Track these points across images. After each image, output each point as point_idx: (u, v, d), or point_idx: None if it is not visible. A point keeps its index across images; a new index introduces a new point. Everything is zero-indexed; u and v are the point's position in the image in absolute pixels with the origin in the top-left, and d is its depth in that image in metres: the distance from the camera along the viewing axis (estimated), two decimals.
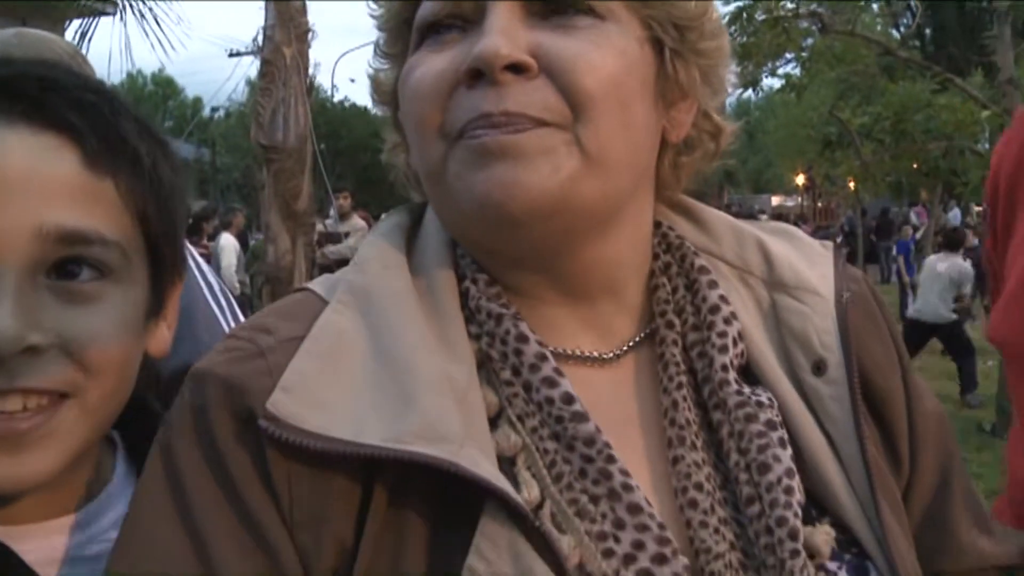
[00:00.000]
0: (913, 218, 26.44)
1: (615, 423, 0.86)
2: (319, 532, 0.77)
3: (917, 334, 9.81)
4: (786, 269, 0.97)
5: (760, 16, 8.89)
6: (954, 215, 26.80)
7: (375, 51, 0.98)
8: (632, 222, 0.91)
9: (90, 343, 0.85)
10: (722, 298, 0.94)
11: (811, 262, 0.99)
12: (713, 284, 0.95)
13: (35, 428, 0.83)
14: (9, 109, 0.85)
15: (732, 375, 0.90)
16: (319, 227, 8.83)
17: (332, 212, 10.93)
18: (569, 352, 0.91)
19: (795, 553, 0.81)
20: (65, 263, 0.84)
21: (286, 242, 5.27)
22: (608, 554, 0.78)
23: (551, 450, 0.82)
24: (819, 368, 0.92)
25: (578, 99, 0.80)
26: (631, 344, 0.94)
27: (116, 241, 0.87)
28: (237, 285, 11.32)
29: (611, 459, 0.81)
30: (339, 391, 0.79)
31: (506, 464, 0.81)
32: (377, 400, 0.78)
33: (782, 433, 0.88)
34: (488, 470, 0.76)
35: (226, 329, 1.84)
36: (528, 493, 0.80)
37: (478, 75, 0.80)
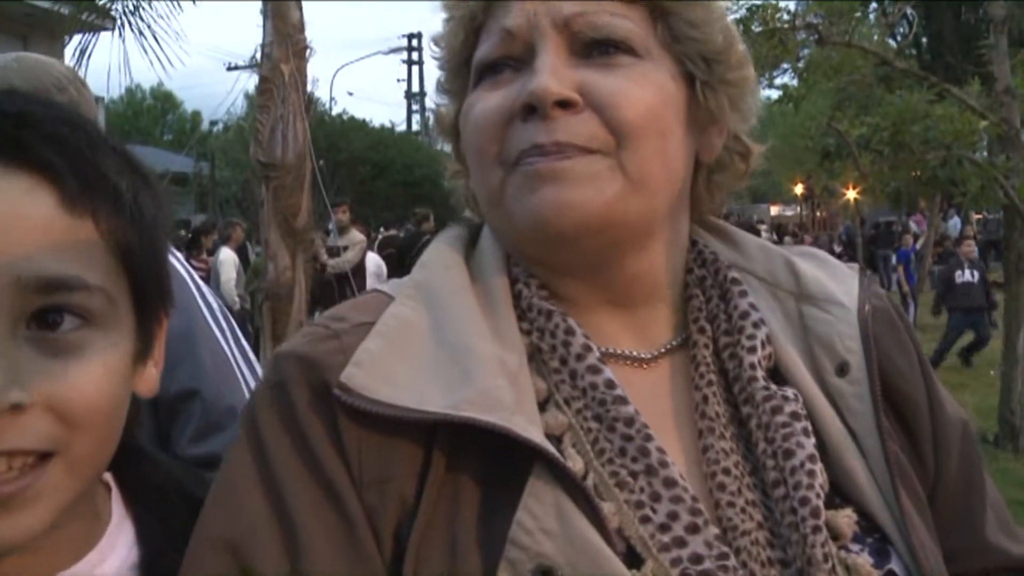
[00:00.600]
0: (913, 227, 26.47)
1: (651, 416, 0.93)
2: (384, 491, 0.86)
3: None
4: (812, 283, 1.05)
5: (757, 27, 8.90)
6: (954, 224, 26.83)
7: (437, 88, 1.10)
8: (670, 238, 1.02)
9: (76, 398, 0.80)
10: (751, 305, 1.03)
11: (837, 280, 1.07)
12: (744, 293, 1.04)
13: (21, 491, 0.78)
14: None
15: (760, 372, 0.98)
16: (318, 241, 8.83)
17: (331, 227, 10.94)
18: (611, 351, 1.00)
19: (816, 529, 0.88)
20: (46, 312, 0.80)
21: (286, 259, 5.26)
22: (645, 520, 0.87)
23: (594, 429, 0.92)
24: (842, 370, 1.00)
25: (620, 129, 0.92)
26: (667, 348, 1.04)
27: (99, 286, 0.82)
28: (236, 300, 11.32)
29: (648, 438, 0.90)
30: (404, 368, 0.89)
31: (553, 441, 0.88)
32: (438, 376, 0.88)
33: (806, 424, 0.95)
34: (536, 435, 0.85)
35: (227, 352, 1.84)
36: (573, 465, 0.87)
37: (531, 110, 0.92)
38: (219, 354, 1.82)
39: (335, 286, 9.65)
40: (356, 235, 11.37)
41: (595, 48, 0.95)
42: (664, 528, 0.87)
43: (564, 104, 0.91)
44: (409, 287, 0.99)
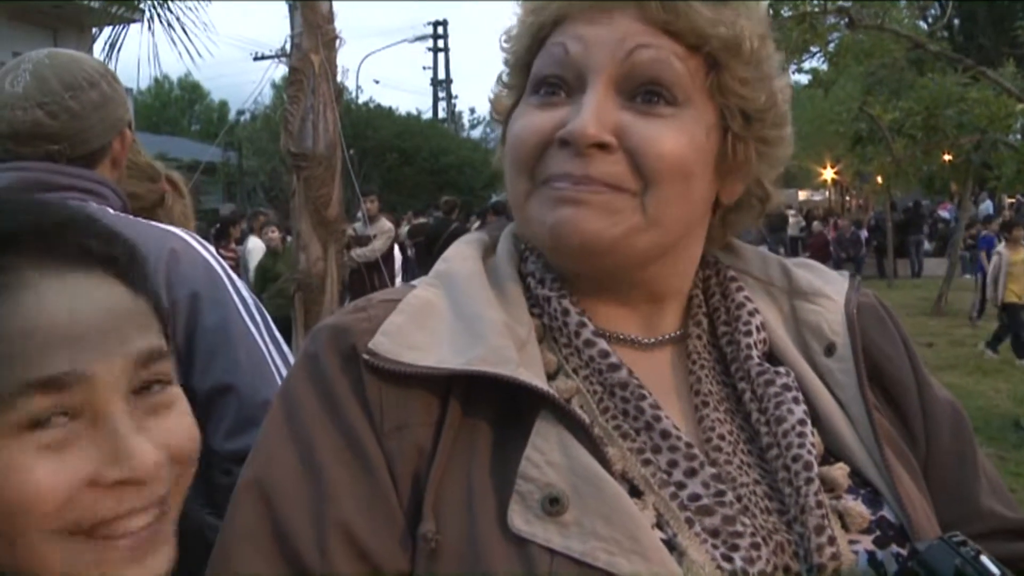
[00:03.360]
0: (946, 214, 26.21)
1: (652, 390, 1.02)
2: (402, 437, 0.95)
3: None
4: (803, 281, 1.17)
5: (786, 12, 8.82)
6: (985, 207, 26.52)
7: (498, 79, 1.18)
8: (680, 260, 1.11)
9: (186, 445, 0.92)
10: (747, 298, 1.14)
11: (826, 281, 1.18)
12: (740, 288, 1.15)
13: (156, 534, 0.89)
14: (59, 257, 0.88)
15: (755, 352, 1.09)
16: (348, 231, 8.85)
17: (361, 215, 10.97)
18: (616, 334, 1.09)
19: (809, 481, 0.97)
20: (147, 385, 0.90)
21: (317, 249, 5.27)
22: (646, 463, 0.98)
23: (599, 392, 1.02)
24: (829, 350, 1.11)
25: (648, 175, 0.99)
26: (668, 336, 1.13)
27: (169, 349, 0.94)
28: None
29: (642, 397, 1.00)
30: (425, 337, 0.99)
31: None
32: (454, 342, 0.98)
33: (796, 394, 1.05)
34: (541, 383, 0.94)
35: (263, 347, 1.84)
36: (579, 417, 0.95)
37: (567, 142, 0.99)
38: (254, 349, 1.82)
39: (365, 274, 9.68)
40: (385, 224, 11.40)
41: (640, 92, 1.01)
42: (665, 472, 0.97)
43: (600, 145, 0.98)
44: (430, 277, 1.10)
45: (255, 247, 12.06)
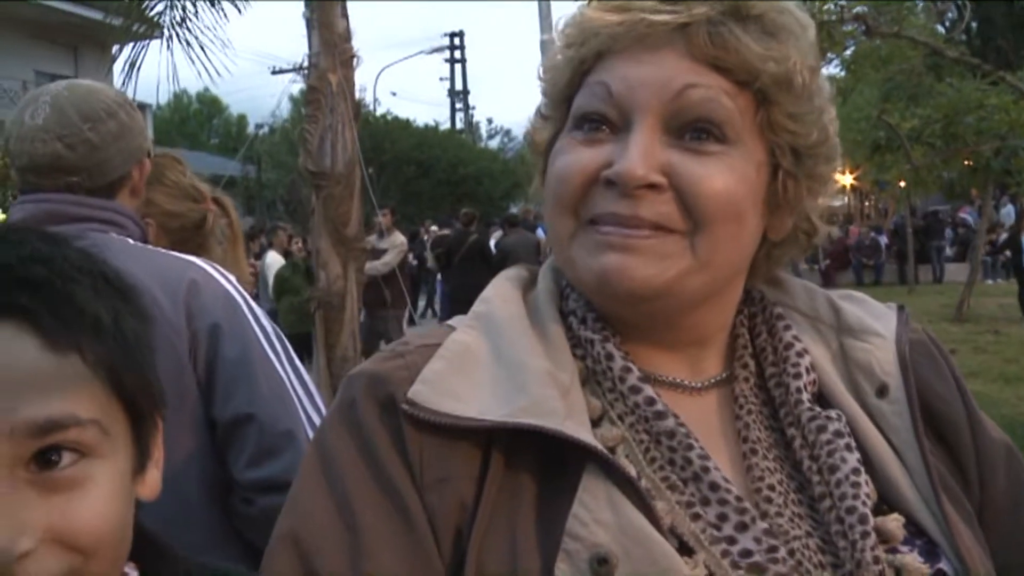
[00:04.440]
0: (969, 219, 26.01)
1: (702, 438, 0.98)
2: (443, 491, 0.92)
3: None
4: (852, 318, 1.11)
5: None
6: (1007, 212, 26.33)
7: (536, 112, 1.13)
8: (725, 298, 1.06)
9: (82, 530, 0.82)
10: (795, 337, 1.08)
11: (875, 317, 1.12)
12: (788, 327, 1.09)
13: None
14: None
15: (805, 395, 1.03)
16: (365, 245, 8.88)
17: (377, 229, 11.00)
18: (662, 378, 1.05)
19: (865, 535, 0.92)
20: (44, 452, 0.81)
21: (337, 267, 5.27)
22: (696, 518, 0.93)
23: (645, 441, 0.97)
24: (882, 391, 1.05)
25: (699, 216, 0.95)
26: (715, 380, 1.07)
27: (92, 419, 0.83)
28: None
29: (690, 447, 0.95)
30: (466, 385, 0.95)
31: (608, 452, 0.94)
32: (496, 391, 0.94)
33: (849, 440, 1.00)
34: (587, 437, 0.91)
35: (283, 377, 1.84)
36: (627, 472, 0.91)
37: (615, 183, 0.95)
38: (274, 378, 1.83)
39: (382, 287, 9.70)
40: (397, 237, 11.42)
41: (688, 130, 0.96)
42: (715, 527, 0.92)
43: (649, 185, 0.94)
44: (470, 319, 1.05)
45: (274, 261, 12.10)
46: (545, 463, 0.93)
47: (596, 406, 0.99)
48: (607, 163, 0.96)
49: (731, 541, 0.91)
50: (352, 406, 0.97)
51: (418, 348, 1.00)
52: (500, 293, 1.07)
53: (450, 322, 1.07)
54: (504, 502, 0.92)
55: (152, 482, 0.96)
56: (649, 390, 0.98)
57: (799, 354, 1.06)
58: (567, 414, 0.92)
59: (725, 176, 0.95)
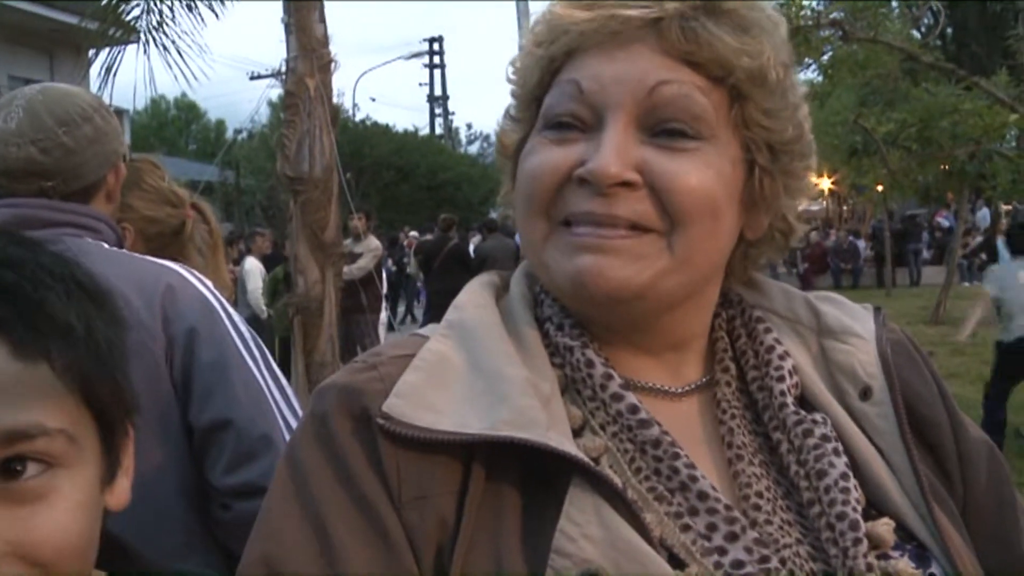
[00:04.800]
0: (944, 221, 26.20)
1: (682, 444, 0.95)
2: (423, 510, 0.88)
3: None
4: (832, 319, 1.09)
5: None
6: (982, 215, 26.55)
7: (505, 114, 1.10)
8: (703, 300, 1.04)
9: (44, 544, 0.79)
10: (776, 340, 1.06)
11: (854, 318, 1.11)
12: (768, 330, 1.08)
13: None
14: None
15: (790, 399, 1.01)
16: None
17: (355, 233, 10.98)
18: (642, 384, 1.02)
19: (857, 541, 0.91)
20: (8, 462, 0.79)
21: (315, 273, 5.27)
22: (686, 529, 0.90)
23: (630, 451, 0.94)
24: (865, 394, 1.03)
25: (675, 214, 0.93)
26: (695, 385, 1.06)
27: (59, 428, 0.81)
28: (264, 309, 11.35)
29: (676, 456, 0.93)
30: (443, 397, 0.92)
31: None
32: (474, 402, 0.91)
33: (836, 445, 0.98)
34: (572, 448, 0.87)
35: (261, 382, 1.83)
36: (614, 483, 0.89)
37: (589, 182, 0.93)
38: (251, 383, 1.82)
39: (360, 289, 9.68)
40: (372, 241, 11.40)
41: (662, 127, 0.94)
42: (704, 537, 0.90)
43: (623, 183, 0.92)
44: (443, 327, 1.01)
45: (252, 267, 12.04)
46: (528, 476, 0.89)
47: (577, 415, 0.96)
48: (580, 162, 0.94)
49: (722, 552, 0.89)
50: (324, 421, 0.93)
51: (392, 359, 0.96)
52: (473, 300, 1.04)
53: (422, 331, 1.05)
54: (487, 518, 0.88)
55: (121, 491, 0.93)
56: (632, 397, 0.96)
57: (781, 357, 1.05)
58: (550, 424, 0.89)
59: (700, 172, 0.93)
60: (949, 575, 0.94)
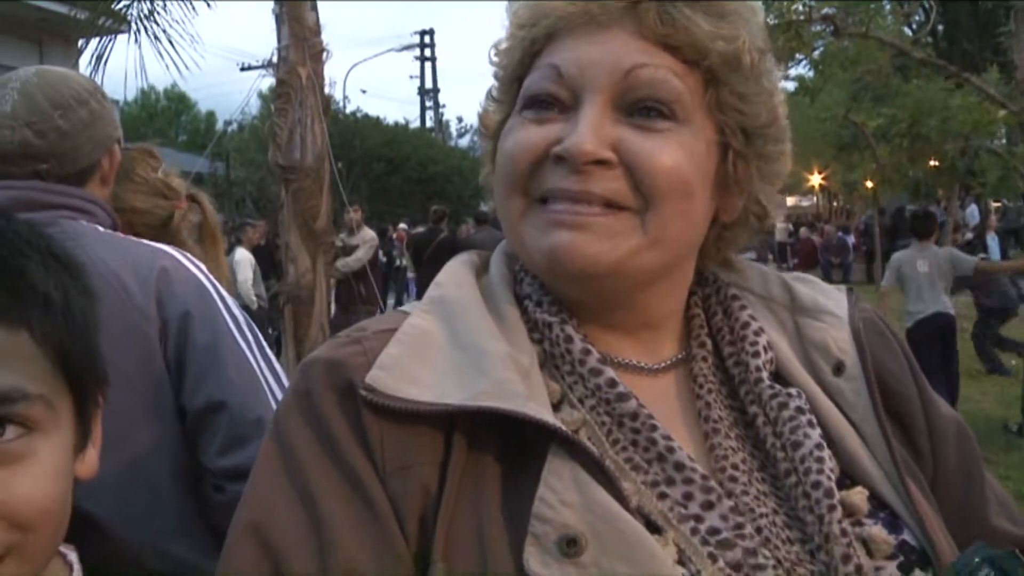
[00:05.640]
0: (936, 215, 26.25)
1: (659, 419, 0.98)
2: (407, 479, 0.90)
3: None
4: (806, 297, 1.13)
5: (772, 20, 8.86)
6: (971, 212, 26.65)
7: (488, 95, 1.13)
8: (676, 279, 1.07)
9: (24, 504, 0.82)
10: (751, 316, 1.10)
11: (827, 297, 1.14)
12: (743, 307, 1.11)
13: None
14: None
15: (765, 374, 1.04)
16: (336, 242, 8.87)
17: (346, 226, 10.98)
18: (620, 361, 1.05)
19: (832, 508, 0.94)
20: None
21: (306, 261, 5.27)
22: (662, 497, 0.93)
23: (607, 423, 0.97)
24: (838, 369, 1.07)
25: (649, 192, 0.95)
26: (671, 361, 1.08)
27: (39, 394, 0.84)
28: (254, 299, 11.34)
29: (653, 428, 0.96)
30: (425, 370, 0.94)
31: None
32: (455, 375, 0.94)
33: (810, 417, 1.01)
34: (550, 418, 0.90)
35: (254, 365, 1.84)
36: (591, 452, 0.91)
37: (565, 159, 0.96)
38: (244, 366, 1.82)
39: (353, 283, 9.68)
40: (368, 233, 11.41)
41: (638, 108, 0.97)
42: (681, 505, 0.93)
43: (598, 161, 0.95)
44: (425, 303, 1.04)
45: (242, 258, 12.01)
46: (508, 446, 0.92)
47: (556, 390, 0.99)
48: (557, 140, 0.97)
49: (698, 519, 0.92)
50: (308, 394, 0.95)
51: (375, 334, 0.99)
52: (453, 278, 1.07)
53: (404, 308, 1.07)
54: (469, 487, 0.91)
55: (90, 460, 0.95)
56: (610, 372, 0.98)
57: (756, 333, 1.07)
58: (529, 396, 0.92)
59: (675, 152, 0.96)
60: (920, 541, 0.97)
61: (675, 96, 0.97)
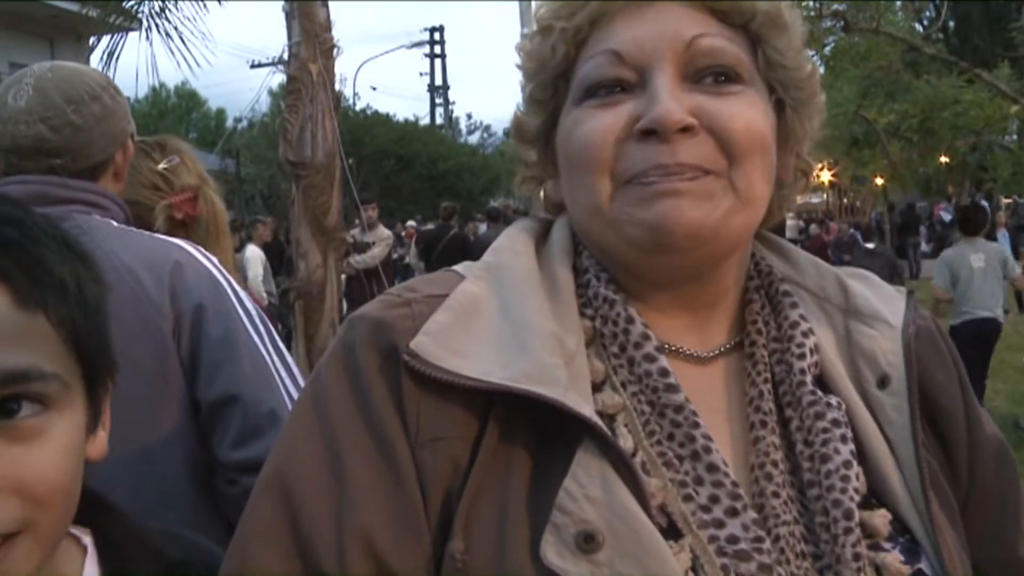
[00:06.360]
0: (945, 215, 26.19)
1: (704, 410, 0.97)
2: (437, 451, 0.90)
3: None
4: (861, 300, 1.09)
5: None
6: None
7: (527, 99, 1.10)
8: (746, 249, 1.08)
9: (39, 480, 0.85)
10: (801, 316, 1.06)
11: (884, 300, 1.10)
12: (794, 305, 1.08)
13: None
14: None
15: (808, 377, 1.02)
16: (348, 238, 8.88)
17: (358, 223, 10.99)
18: (673, 347, 1.04)
19: (848, 531, 0.92)
20: (5, 402, 0.84)
21: (317, 257, 5.27)
22: (687, 499, 0.92)
23: (646, 412, 0.96)
24: (883, 382, 1.03)
25: (733, 152, 0.96)
26: (723, 349, 1.07)
27: (54, 373, 0.87)
28: (265, 296, 11.38)
29: (696, 425, 0.94)
30: (470, 341, 0.94)
31: (606, 420, 0.93)
32: (499, 350, 0.93)
33: (845, 431, 0.98)
34: (588, 411, 0.89)
35: (267, 358, 1.85)
36: (624, 443, 0.92)
37: (650, 133, 0.94)
38: (258, 359, 1.83)
39: (364, 281, 9.69)
40: (383, 231, 11.43)
41: (706, 74, 0.98)
42: (705, 509, 0.92)
43: (685, 129, 0.94)
44: (480, 268, 1.03)
45: (253, 255, 12.05)
46: (542, 430, 0.91)
47: (599, 369, 0.98)
48: (634, 119, 0.96)
49: (719, 524, 0.91)
50: (352, 350, 0.95)
51: (425, 298, 0.98)
52: (512, 245, 1.06)
53: (458, 268, 1.06)
54: (498, 467, 0.90)
55: (100, 444, 0.98)
56: (664, 361, 0.97)
57: (804, 334, 1.05)
58: (569, 384, 0.91)
59: (751, 111, 0.98)
60: (938, 573, 0.95)
61: (736, 60, 0.98)
